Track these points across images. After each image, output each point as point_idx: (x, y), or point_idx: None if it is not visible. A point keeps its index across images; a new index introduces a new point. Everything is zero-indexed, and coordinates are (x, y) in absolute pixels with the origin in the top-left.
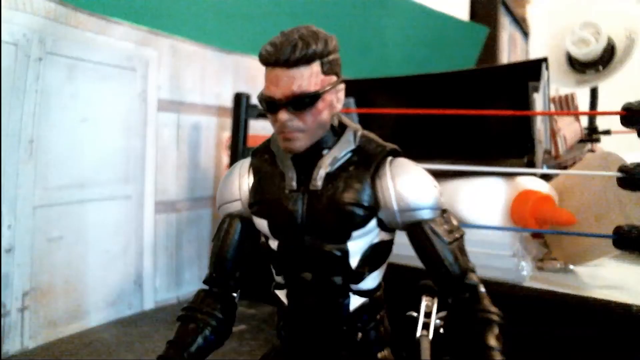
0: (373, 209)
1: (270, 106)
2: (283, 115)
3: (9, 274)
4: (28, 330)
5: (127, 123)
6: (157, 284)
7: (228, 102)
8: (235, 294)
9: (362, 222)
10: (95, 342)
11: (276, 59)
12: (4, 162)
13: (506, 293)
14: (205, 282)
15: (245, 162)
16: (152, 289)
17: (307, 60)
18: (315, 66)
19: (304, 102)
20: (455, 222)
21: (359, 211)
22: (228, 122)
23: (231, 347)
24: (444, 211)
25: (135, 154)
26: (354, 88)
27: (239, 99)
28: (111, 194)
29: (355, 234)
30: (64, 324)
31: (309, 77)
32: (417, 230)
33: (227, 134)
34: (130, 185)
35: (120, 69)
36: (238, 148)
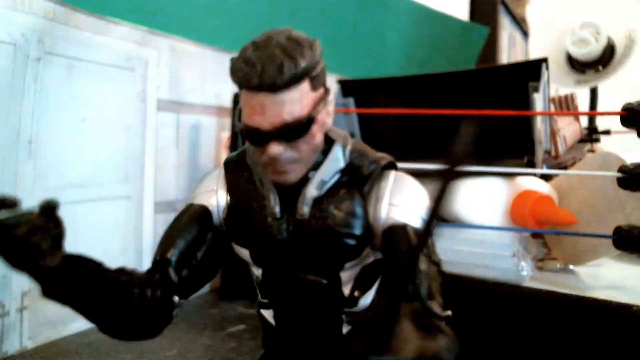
0: (367, 236)
1: (256, 138)
2: (275, 149)
3: (8, 274)
4: (27, 330)
5: (127, 123)
6: None
7: (227, 102)
8: (176, 298)
9: (356, 253)
10: (94, 342)
11: (260, 82)
12: (3, 162)
13: (506, 293)
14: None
15: (221, 176)
16: None
17: (296, 80)
18: (305, 85)
19: (298, 130)
20: (438, 255)
21: (352, 242)
22: (227, 122)
23: (231, 347)
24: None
25: (134, 154)
26: (354, 88)
27: (238, 98)
28: (110, 194)
29: (348, 264)
30: (63, 324)
31: (299, 100)
32: (397, 229)
33: (226, 134)
34: (129, 185)
35: (120, 69)
36: (237, 148)
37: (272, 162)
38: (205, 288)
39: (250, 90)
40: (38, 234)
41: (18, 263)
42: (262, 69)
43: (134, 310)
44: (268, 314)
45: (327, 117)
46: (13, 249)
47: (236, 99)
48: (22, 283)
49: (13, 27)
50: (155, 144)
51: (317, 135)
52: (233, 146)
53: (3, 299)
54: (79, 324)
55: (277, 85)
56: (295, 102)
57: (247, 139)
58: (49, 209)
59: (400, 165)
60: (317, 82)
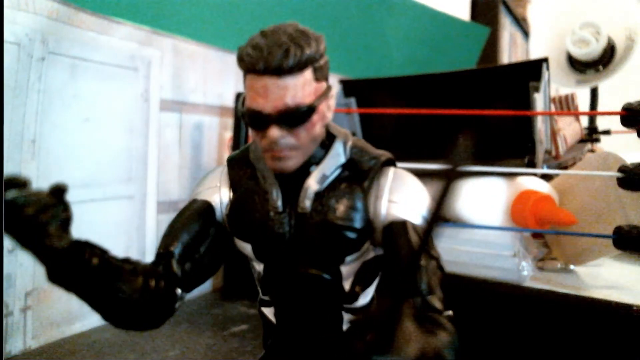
0: (367, 230)
1: (257, 122)
2: (274, 132)
3: (12, 274)
4: (31, 330)
5: (130, 123)
6: None
7: (230, 102)
8: (179, 291)
9: (356, 246)
10: (97, 342)
11: (265, 66)
12: (7, 162)
13: (507, 293)
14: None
15: (224, 173)
16: None
17: (300, 67)
18: (308, 73)
19: (299, 116)
20: (437, 249)
21: (352, 235)
22: (230, 121)
23: (234, 347)
24: None
25: (137, 154)
26: (355, 88)
27: (240, 98)
28: (113, 194)
29: (349, 258)
30: (67, 323)
31: (302, 87)
32: (397, 225)
33: (229, 134)
34: (132, 185)
35: (123, 68)
36: (240, 148)
37: (271, 146)
38: (208, 288)
39: (255, 74)
40: (46, 213)
41: (25, 242)
42: (268, 53)
43: (136, 299)
44: (269, 311)
45: (327, 110)
46: (21, 228)
47: (238, 98)
48: (25, 283)
49: (17, 27)
50: (158, 143)
51: (317, 125)
52: (235, 146)
53: (7, 298)
54: (82, 323)
55: (282, 69)
56: (298, 88)
57: (248, 123)
58: (58, 191)
59: (401, 165)
60: (320, 73)
